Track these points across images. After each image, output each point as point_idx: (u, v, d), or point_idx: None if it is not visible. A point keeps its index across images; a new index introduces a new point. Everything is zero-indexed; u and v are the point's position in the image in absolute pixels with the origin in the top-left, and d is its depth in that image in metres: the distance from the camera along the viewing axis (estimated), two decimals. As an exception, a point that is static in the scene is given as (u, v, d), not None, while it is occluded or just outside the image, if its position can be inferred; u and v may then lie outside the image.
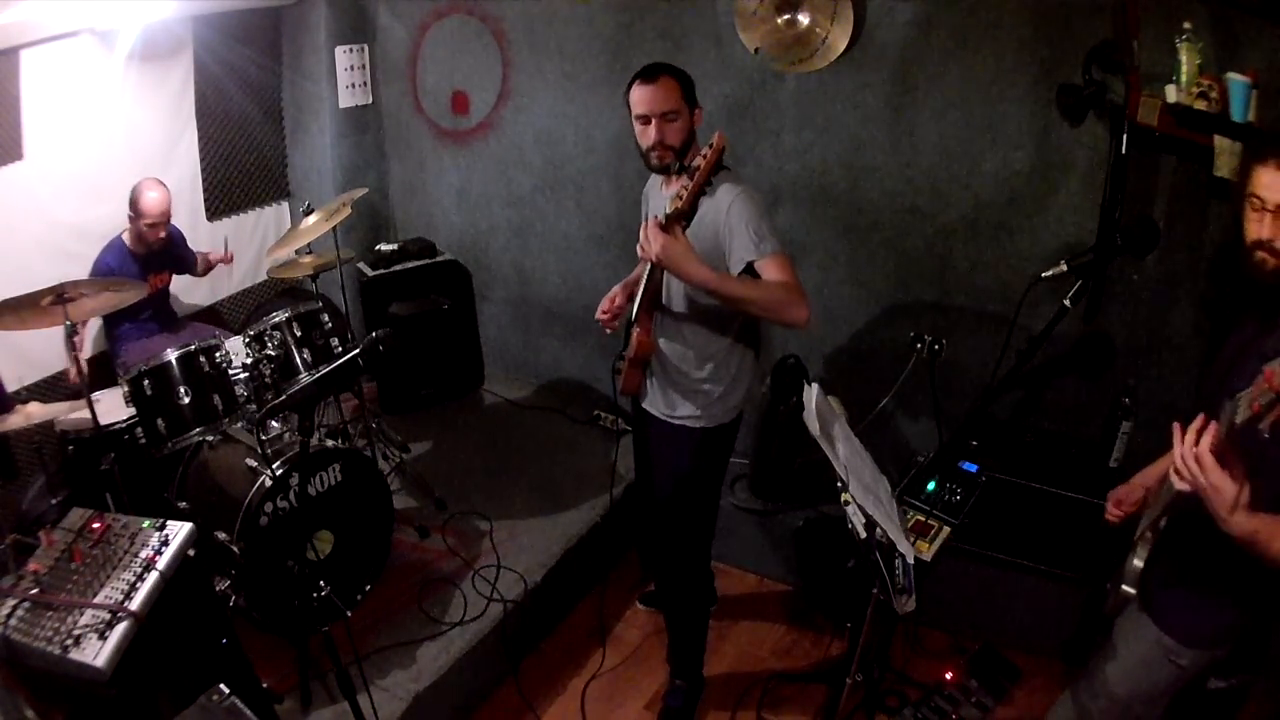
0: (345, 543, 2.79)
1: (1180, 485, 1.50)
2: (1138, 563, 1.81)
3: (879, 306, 3.49)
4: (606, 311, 2.56)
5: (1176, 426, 1.50)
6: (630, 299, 2.48)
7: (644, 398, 2.58)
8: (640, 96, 2.26)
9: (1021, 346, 2.67)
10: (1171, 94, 2.58)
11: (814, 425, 2.13)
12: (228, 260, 3.83)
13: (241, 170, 4.22)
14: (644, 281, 2.34)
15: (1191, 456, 1.45)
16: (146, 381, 2.72)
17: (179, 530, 2.06)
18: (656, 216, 2.18)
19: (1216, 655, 1.81)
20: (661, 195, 2.40)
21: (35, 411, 2.63)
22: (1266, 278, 1.61)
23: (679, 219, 2.12)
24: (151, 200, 3.30)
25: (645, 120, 2.26)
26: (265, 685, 2.39)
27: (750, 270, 2.22)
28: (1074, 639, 2.94)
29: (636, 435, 2.77)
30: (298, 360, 2.95)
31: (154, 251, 3.46)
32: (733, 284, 2.17)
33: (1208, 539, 1.53)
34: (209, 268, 3.83)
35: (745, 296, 2.18)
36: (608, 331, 2.59)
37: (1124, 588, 1.81)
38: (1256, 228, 1.60)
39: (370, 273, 4.12)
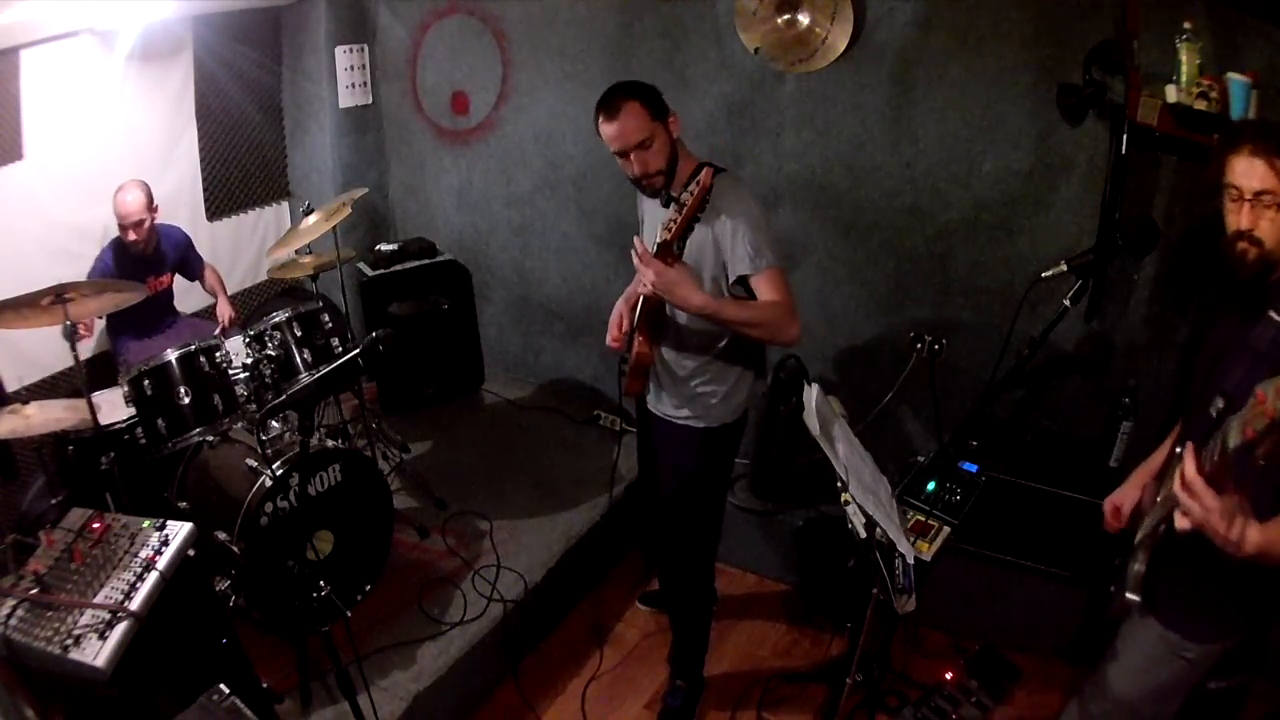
0: (345, 543, 2.79)
1: (1182, 524, 1.48)
2: (1139, 568, 1.79)
3: (879, 306, 3.49)
4: (616, 339, 2.57)
5: (1167, 447, 1.49)
6: (634, 310, 2.48)
7: (648, 398, 2.58)
8: (608, 134, 2.22)
9: (1021, 346, 2.66)
10: (1171, 94, 2.58)
11: (814, 425, 2.13)
12: (235, 320, 3.76)
13: (241, 170, 4.22)
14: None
15: (1182, 486, 1.42)
16: (146, 381, 2.72)
17: (179, 530, 2.06)
18: (647, 249, 2.16)
19: (1226, 647, 1.78)
20: (655, 202, 2.39)
21: (35, 419, 2.62)
22: (1249, 268, 1.61)
23: (669, 250, 2.12)
24: (122, 202, 3.29)
25: (622, 155, 2.24)
26: (265, 685, 2.39)
27: (744, 283, 2.24)
28: (1077, 640, 2.94)
29: (641, 435, 2.77)
30: (298, 360, 2.96)
31: (147, 253, 3.45)
32: (727, 308, 2.21)
33: (1209, 541, 1.52)
34: (214, 289, 3.81)
35: (738, 319, 2.22)
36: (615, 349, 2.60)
37: (1128, 595, 1.79)
38: (1235, 219, 1.60)
39: (370, 273, 4.12)
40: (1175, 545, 1.75)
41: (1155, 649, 1.81)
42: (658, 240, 2.16)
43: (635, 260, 2.15)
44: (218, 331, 3.63)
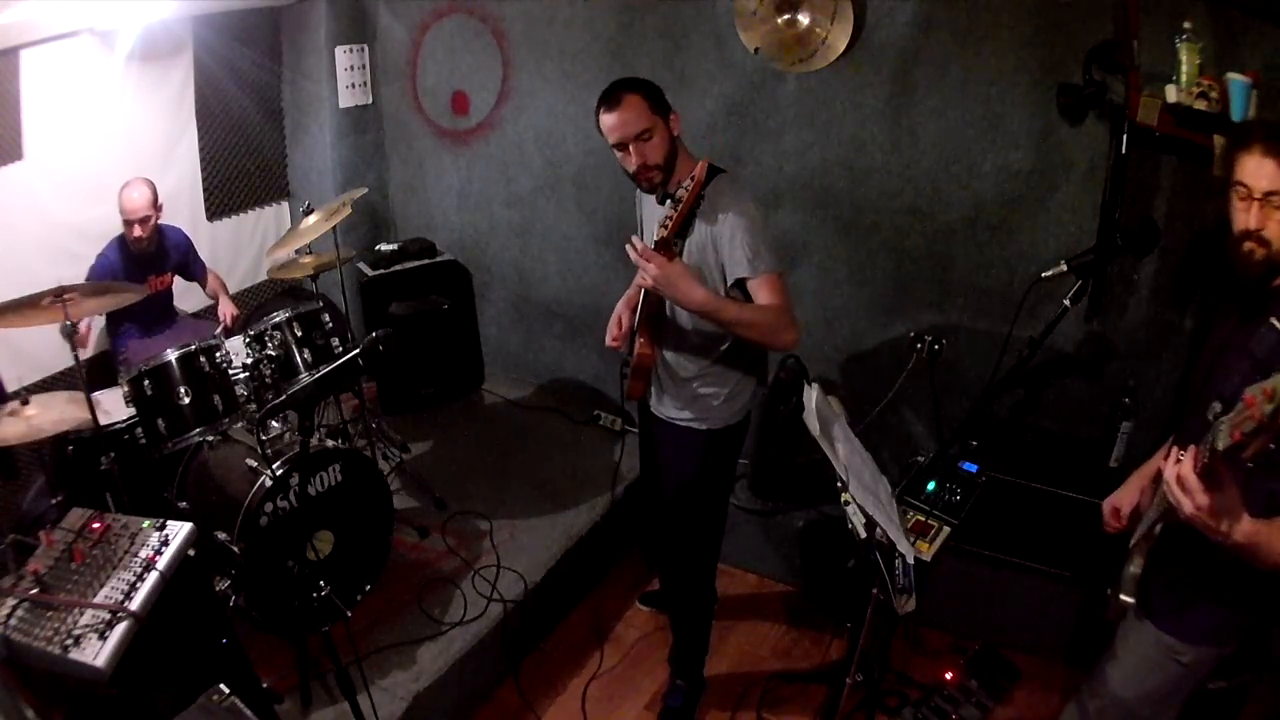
0: (345, 543, 2.79)
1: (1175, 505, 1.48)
2: (1135, 570, 1.80)
3: (879, 306, 3.49)
4: (616, 338, 2.57)
5: (1164, 453, 1.49)
6: (634, 311, 2.48)
7: (650, 400, 2.58)
8: (608, 124, 2.20)
9: (1021, 346, 2.66)
10: (1171, 94, 2.58)
11: (814, 425, 2.13)
12: (233, 321, 3.77)
13: (241, 170, 4.22)
14: (644, 294, 2.34)
15: (1175, 482, 1.42)
16: (146, 381, 2.72)
17: (179, 530, 2.06)
18: (645, 244, 2.18)
19: (1222, 652, 1.78)
20: (654, 204, 2.40)
21: (35, 420, 2.61)
22: (1254, 269, 1.59)
23: (667, 247, 2.13)
24: (128, 197, 3.29)
25: (621, 147, 2.22)
26: (265, 685, 2.39)
27: (741, 286, 2.23)
28: (1073, 642, 2.94)
29: (643, 436, 2.77)
30: (298, 360, 2.96)
31: (149, 251, 3.45)
32: (726, 308, 2.20)
33: (1204, 543, 1.52)
34: (216, 292, 3.81)
35: (737, 320, 2.21)
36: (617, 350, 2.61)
37: (1122, 597, 1.79)
38: (1244, 217, 1.59)
39: (370, 273, 4.12)
40: (1171, 548, 1.75)
41: (1150, 652, 1.80)
42: (655, 238, 2.16)
43: (634, 257, 2.15)
44: (219, 330, 3.60)
